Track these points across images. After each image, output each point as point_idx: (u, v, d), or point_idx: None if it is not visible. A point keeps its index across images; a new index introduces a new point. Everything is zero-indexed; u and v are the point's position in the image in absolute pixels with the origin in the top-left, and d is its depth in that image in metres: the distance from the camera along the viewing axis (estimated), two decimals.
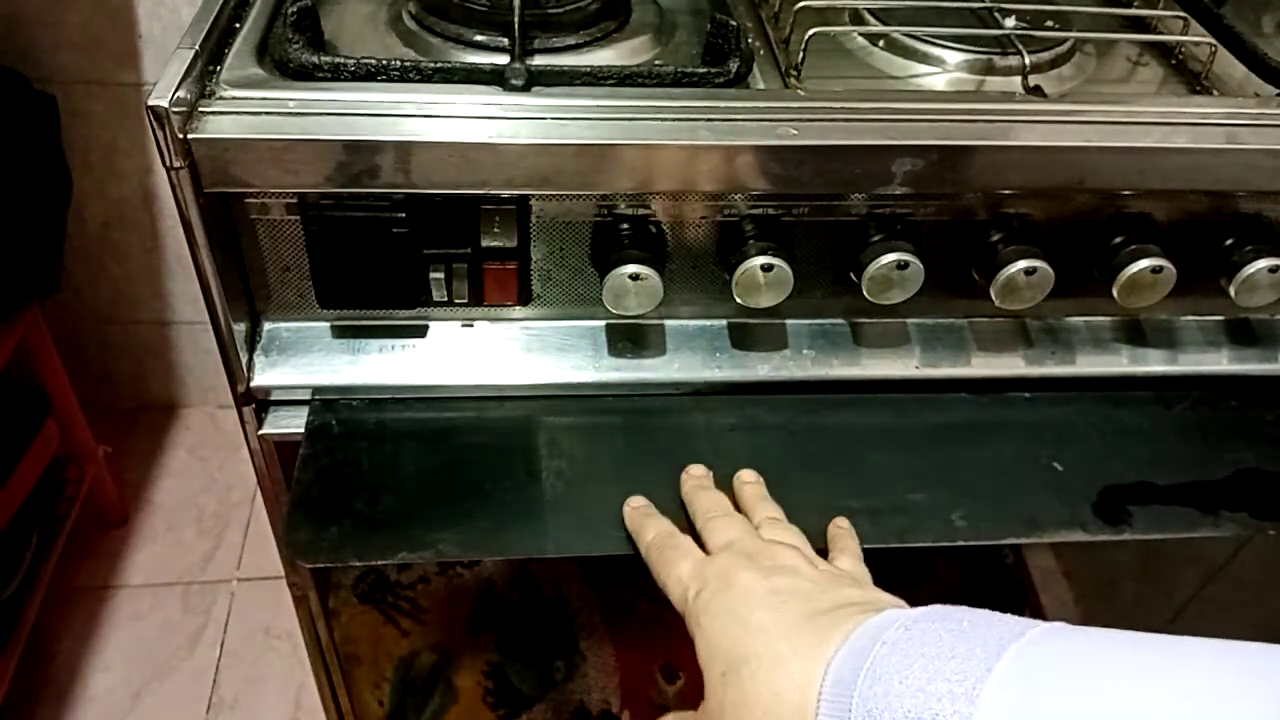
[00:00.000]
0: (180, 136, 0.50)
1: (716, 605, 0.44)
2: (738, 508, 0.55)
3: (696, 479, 0.57)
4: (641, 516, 0.54)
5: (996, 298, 0.59)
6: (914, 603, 0.41)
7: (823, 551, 0.52)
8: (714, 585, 0.45)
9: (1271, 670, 0.30)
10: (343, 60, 0.55)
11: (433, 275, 0.58)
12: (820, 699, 0.36)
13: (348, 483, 0.57)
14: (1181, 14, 0.70)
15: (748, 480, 0.57)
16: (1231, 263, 0.60)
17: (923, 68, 0.65)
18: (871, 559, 0.53)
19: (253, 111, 0.52)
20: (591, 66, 0.57)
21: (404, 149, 0.52)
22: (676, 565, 0.48)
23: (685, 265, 0.60)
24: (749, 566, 0.45)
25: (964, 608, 0.37)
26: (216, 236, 0.55)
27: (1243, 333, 0.67)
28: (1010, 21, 0.66)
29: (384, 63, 0.55)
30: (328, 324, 0.62)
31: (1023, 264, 0.57)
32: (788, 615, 0.41)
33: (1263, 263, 0.59)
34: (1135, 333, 0.67)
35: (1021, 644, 0.33)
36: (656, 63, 0.62)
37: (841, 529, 0.56)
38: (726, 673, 0.41)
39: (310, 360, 0.61)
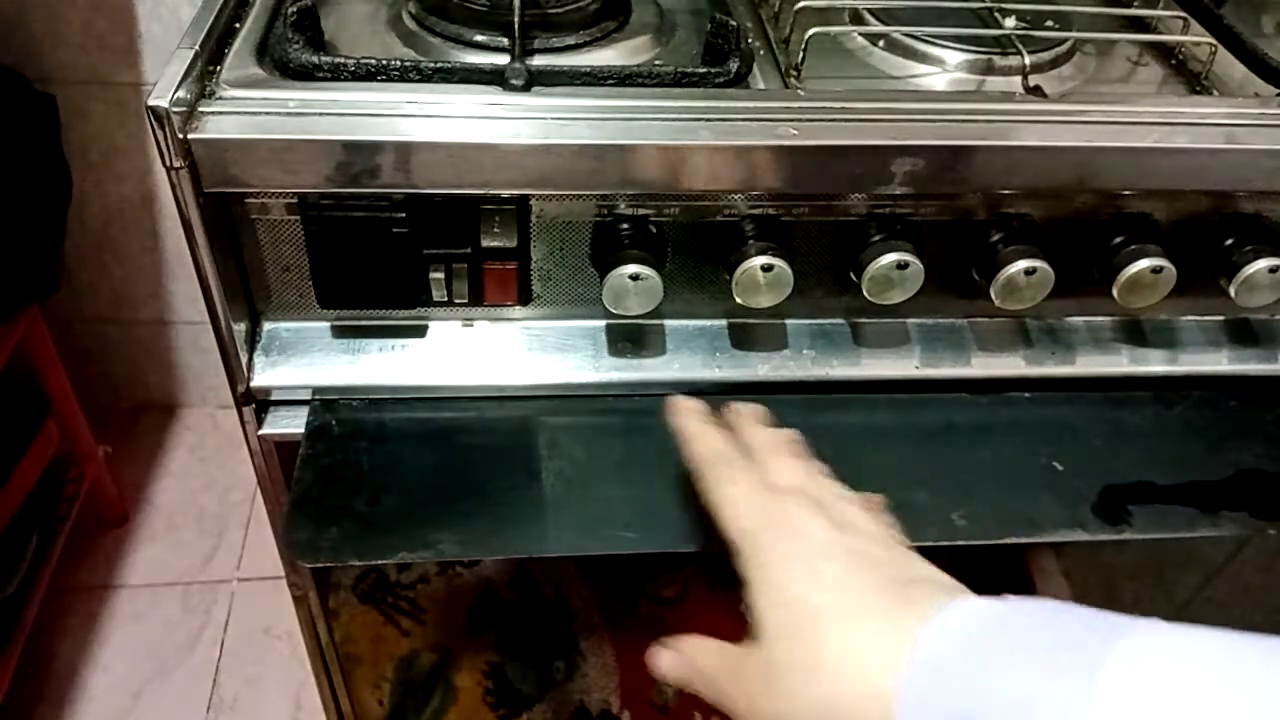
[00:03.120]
0: (180, 136, 0.50)
1: (784, 549, 0.41)
2: None
3: (750, 416, 0.52)
4: (698, 421, 0.49)
5: (996, 298, 0.59)
6: None
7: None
8: (779, 526, 0.42)
9: None
10: (343, 60, 0.55)
11: (433, 275, 0.58)
12: (906, 672, 0.34)
13: (348, 483, 0.57)
14: (1181, 14, 0.70)
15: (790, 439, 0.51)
16: (1231, 263, 0.60)
17: (923, 68, 0.65)
18: None
19: (253, 111, 0.52)
20: (591, 66, 0.57)
21: (404, 149, 0.52)
22: (734, 488, 0.44)
23: (685, 265, 0.60)
24: (819, 515, 0.42)
25: (1061, 602, 0.36)
26: (216, 236, 0.55)
27: (1243, 333, 0.67)
28: (1010, 21, 0.67)
29: (384, 63, 0.55)
30: (328, 324, 0.62)
31: (1023, 264, 0.57)
32: (865, 577, 0.39)
33: (1263, 263, 0.59)
34: (1135, 333, 0.67)
35: (1136, 634, 0.32)
36: (656, 63, 0.62)
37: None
38: (793, 624, 0.38)
39: (310, 360, 0.61)
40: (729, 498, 0.44)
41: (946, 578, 0.40)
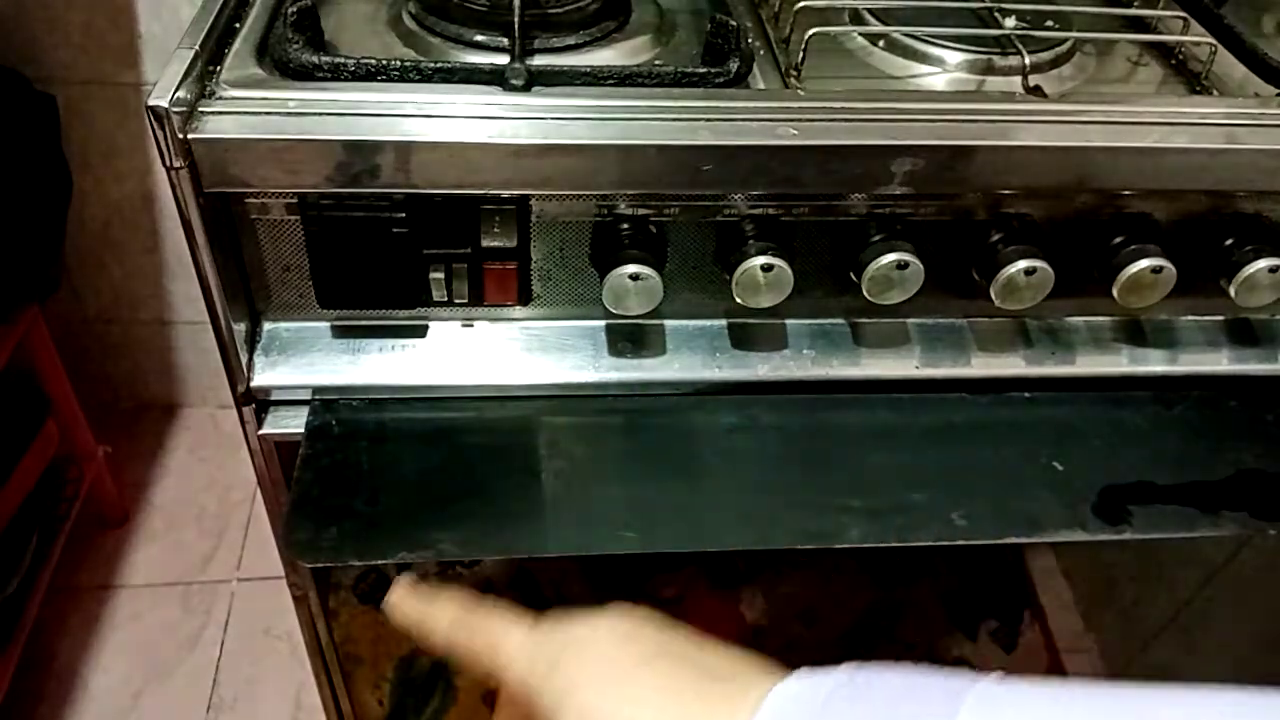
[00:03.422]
0: (180, 136, 0.50)
1: (584, 671, 0.36)
2: None
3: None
4: (423, 600, 0.43)
5: (996, 298, 0.59)
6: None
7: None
8: (569, 647, 0.37)
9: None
10: (343, 60, 0.55)
11: (433, 275, 0.58)
12: None
13: (348, 483, 0.57)
14: (1181, 14, 0.70)
15: None
16: (1231, 263, 0.60)
17: (923, 68, 0.65)
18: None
19: (253, 111, 0.52)
20: (591, 66, 0.57)
21: (404, 149, 0.52)
22: (507, 634, 0.39)
23: (685, 265, 0.60)
24: (605, 623, 0.38)
25: (894, 664, 0.33)
26: (216, 236, 0.55)
27: (1243, 333, 0.67)
28: (1010, 21, 0.66)
29: (384, 63, 0.55)
30: (328, 324, 0.62)
31: (1023, 264, 0.57)
32: (679, 681, 0.35)
33: (1263, 263, 0.59)
34: (1135, 333, 0.67)
35: (979, 690, 0.30)
36: (656, 63, 0.62)
37: None
38: None
39: (310, 360, 0.61)
40: (499, 638, 0.40)
41: (752, 658, 0.37)
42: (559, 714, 0.36)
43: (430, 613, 0.43)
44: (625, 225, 0.57)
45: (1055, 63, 0.66)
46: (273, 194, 0.55)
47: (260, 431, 0.63)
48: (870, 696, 0.32)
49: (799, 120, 0.55)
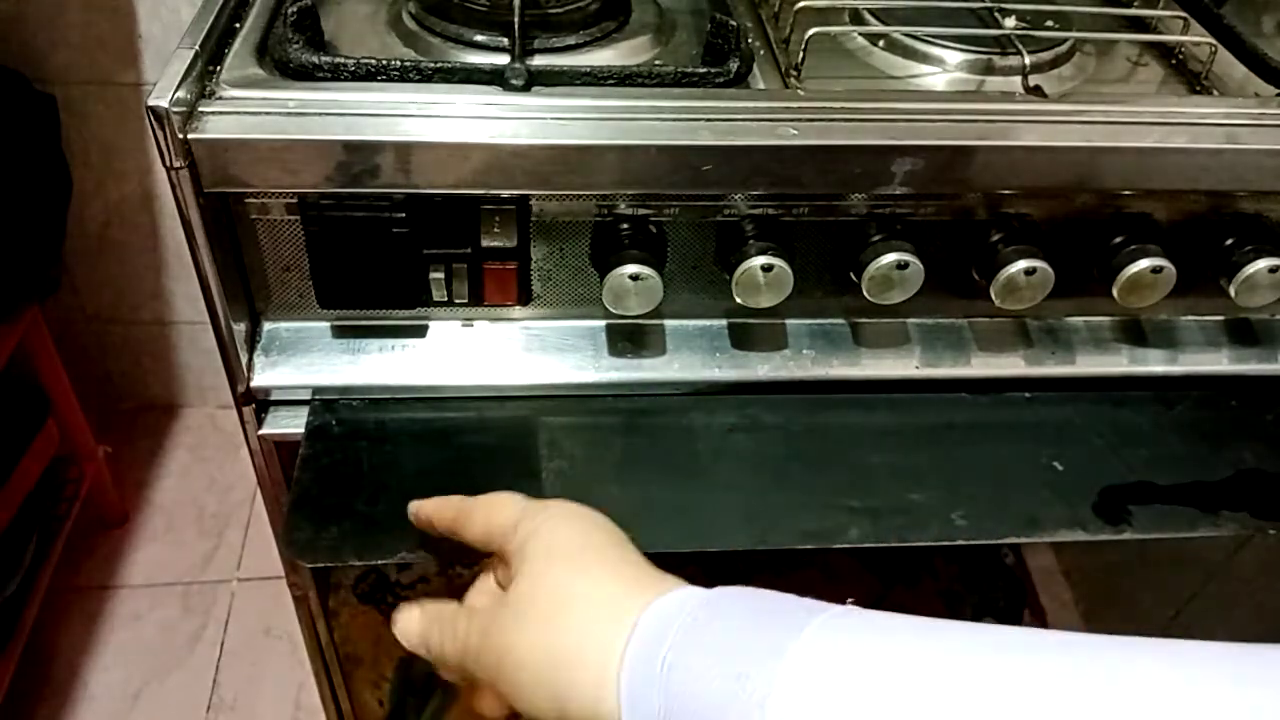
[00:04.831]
0: (180, 136, 0.50)
1: (558, 540, 0.43)
2: None
3: None
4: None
5: (996, 298, 0.59)
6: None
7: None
8: (549, 527, 0.44)
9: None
10: (343, 60, 0.55)
11: (433, 275, 0.58)
12: (626, 666, 0.37)
13: (348, 483, 0.57)
14: (1181, 14, 0.70)
15: None
16: (1231, 263, 0.60)
17: (923, 68, 0.65)
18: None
19: (253, 111, 0.52)
20: (591, 66, 0.57)
21: (404, 149, 0.52)
22: (501, 510, 0.47)
23: (685, 265, 0.60)
24: (570, 515, 0.46)
25: (762, 590, 0.38)
26: (216, 236, 0.55)
27: (1243, 333, 0.67)
28: (1010, 21, 0.67)
29: (384, 63, 0.55)
30: (328, 324, 0.62)
31: (1023, 264, 0.57)
32: (614, 564, 0.43)
33: (1263, 263, 0.59)
34: (1135, 333, 0.67)
35: (831, 612, 0.35)
36: (656, 63, 0.62)
37: None
38: (549, 610, 0.41)
39: (310, 360, 0.61)
40: (498, 517, 0.47)
41: (663, 573, 0.43)
42: (520, 567, 0.43)
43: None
44: (625, 225, 0.57)
45: (1055, 63, 0.66)
46: (273, 194, 0.55)
47: (260, 431, 0.63)
48: (732, 610, 0.37)
49: (799, 120, 0.55)
